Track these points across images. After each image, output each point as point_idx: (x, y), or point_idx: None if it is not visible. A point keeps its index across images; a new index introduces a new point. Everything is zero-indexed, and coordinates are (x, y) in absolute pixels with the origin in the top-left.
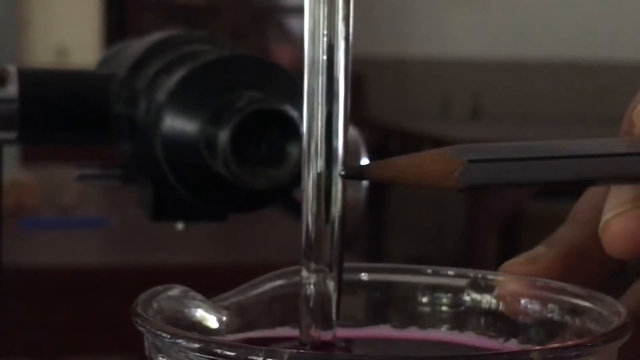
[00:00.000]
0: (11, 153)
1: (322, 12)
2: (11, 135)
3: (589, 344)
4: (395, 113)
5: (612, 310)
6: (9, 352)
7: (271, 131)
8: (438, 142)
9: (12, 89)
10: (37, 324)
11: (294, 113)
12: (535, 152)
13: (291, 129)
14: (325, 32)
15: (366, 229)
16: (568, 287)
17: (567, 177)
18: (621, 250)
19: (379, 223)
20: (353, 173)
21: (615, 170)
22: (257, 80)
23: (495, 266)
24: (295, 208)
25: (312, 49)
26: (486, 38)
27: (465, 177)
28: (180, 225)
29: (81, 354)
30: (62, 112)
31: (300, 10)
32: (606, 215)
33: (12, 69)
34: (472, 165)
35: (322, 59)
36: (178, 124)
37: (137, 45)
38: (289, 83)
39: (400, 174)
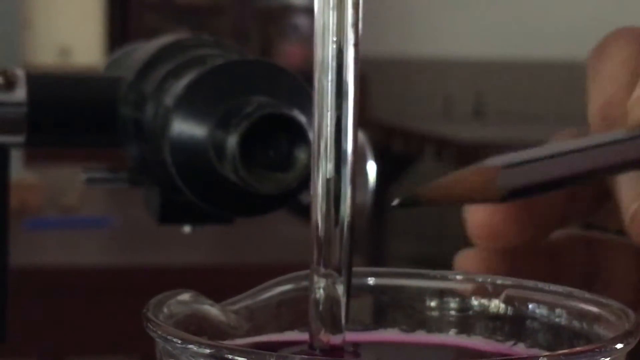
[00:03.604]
0: (15, 154)
1: (332, 18)
2: (19, 139)
3: (597, 350)
4: (398, 113)
5: (620, 315)
6: (11, 352)
7: (279, 136)
8: (440, 142)
9: (20, 93)
10: (40, 324)
11: (302, 118)
12: (558, 148)
13: (299, 134)
14: (334, 39)
15: (368, 229)
16: (576, 291)
17: (592, 166)
18: None
19: (380, 224)
20: (407, 201)
21: (631, 154)
22: (265, 84)
23: None
24: (302, 211)
25: (321, 54)
26: (488, 38)
27: (503, 183)
28: (186, 228)
29: (84, 354)
30: (70, 116)
31: (303, 10)
32: (633, 205)
33: (20, 73)
34: (507, 171)
35: (332, 64)
36: (186, 128)
37: (144, 49)
38: (298, 88)
39: (448, 192)
